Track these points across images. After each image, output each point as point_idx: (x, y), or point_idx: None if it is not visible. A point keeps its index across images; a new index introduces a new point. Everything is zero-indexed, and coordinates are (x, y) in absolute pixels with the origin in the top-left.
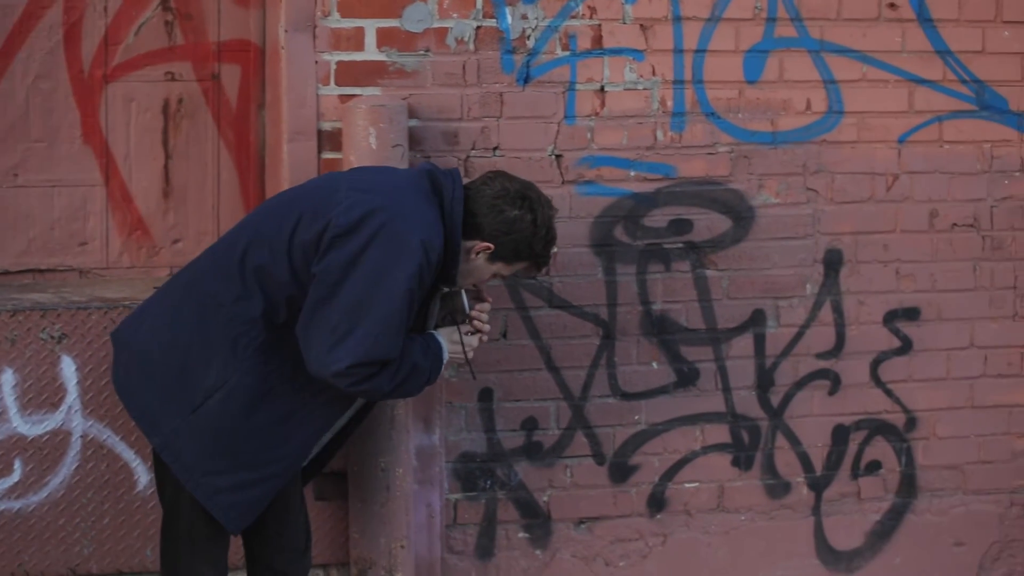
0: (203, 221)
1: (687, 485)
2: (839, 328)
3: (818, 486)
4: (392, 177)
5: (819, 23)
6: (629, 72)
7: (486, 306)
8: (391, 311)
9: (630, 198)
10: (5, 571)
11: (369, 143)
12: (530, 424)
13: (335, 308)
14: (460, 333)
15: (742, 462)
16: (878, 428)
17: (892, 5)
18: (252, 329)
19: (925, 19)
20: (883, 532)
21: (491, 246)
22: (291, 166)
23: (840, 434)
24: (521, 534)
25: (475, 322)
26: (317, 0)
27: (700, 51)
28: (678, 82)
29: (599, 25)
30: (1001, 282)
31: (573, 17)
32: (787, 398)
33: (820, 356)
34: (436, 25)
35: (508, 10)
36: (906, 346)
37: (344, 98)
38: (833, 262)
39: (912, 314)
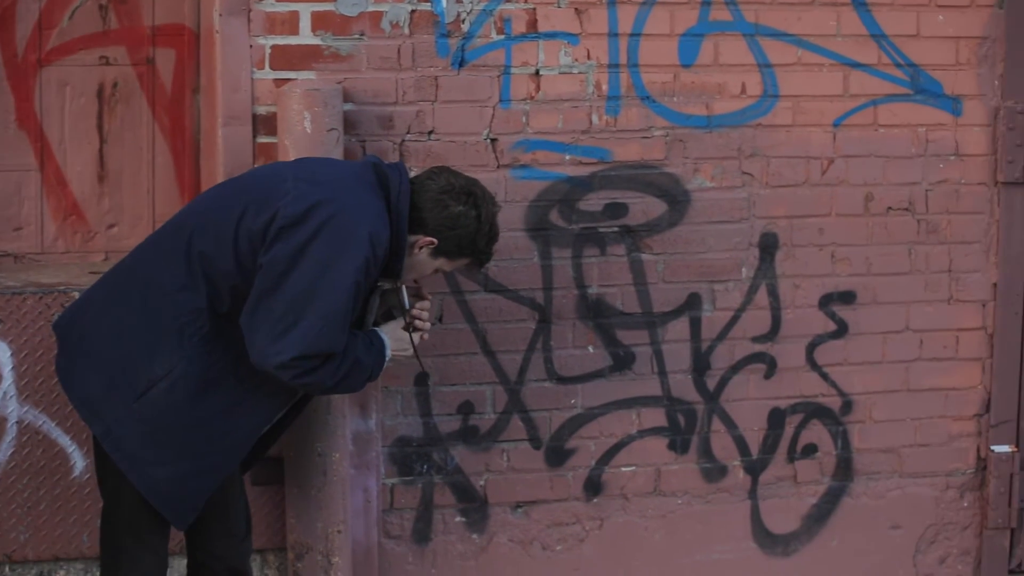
0: (138, 206)
1: (624, 469)
2: (775, 312)
3: (754, 470)
4: (339, 169)
5: (754, 7)
6: (564, 56)
7: (426, 303)
8: (336, 304)
9: (565, 182)
10: None
11: (304, 127)
12: (466, 408)
13: (280, 300)
14: (408, 330)
15: (678, 446)
16: (814, 411)
17: None
18: (198, 319)
19: (860, 3)
20: (819, 515)
21: (435, 241)
22: (226, 150)
23: (776, 417)
24: (458, 518)
25: (416, 320)
26: None
27: (635, 35)
28: (613, 66)
29: (534, 9)
30: (936, 266)
31: (508, 1)
32: (723, 382)
33: (756, 340)
34: (371, 9)
35: None
36: (842, 330)
37: (279, 82)
38: (768, 246)
39: (847, 298)
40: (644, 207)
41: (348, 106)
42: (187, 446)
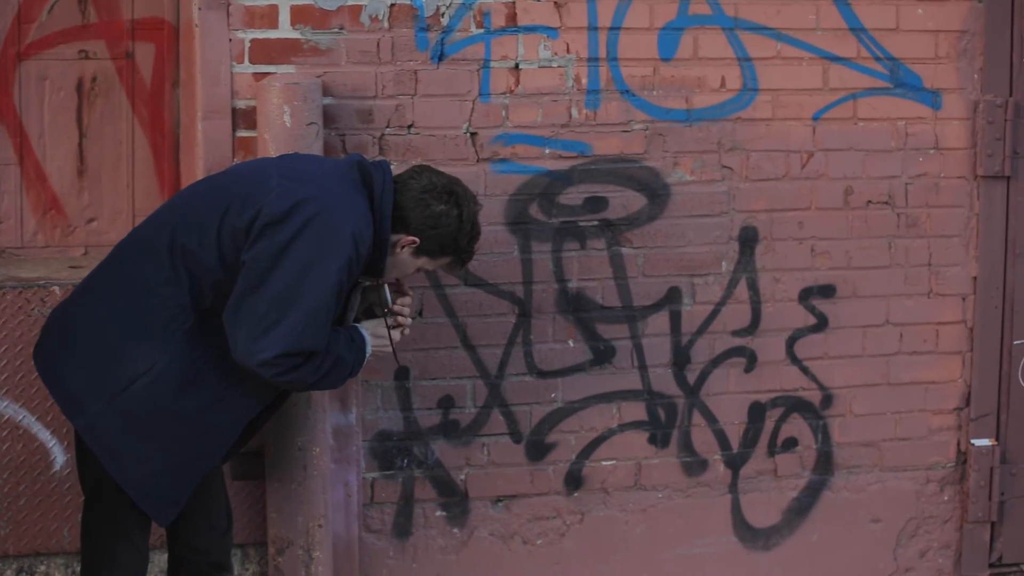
0: (118, 200)
1: (604, 463)
2: (755, 305)
3: (735, 463)
4: (323, 167)
5: (733, 1)
6: (543, 50)
7: (407, 300)
8: (319, 302)
9: (545, 176)
10: None
11: (283, 121)
12: (447, 403)
13: (263, 297)
14: (387, 327)
15: (659, 440)
16: (794, 405)
17: None
18: (181, 314)
19: None
20: (800, 509)
21: (417, 240)
22: (205, 144)
23: (756, 411)
24: (438, 512)
25: (398, 317)
26: None
27: (614, 28)
28: (593, 60)
29: (513, 3)
30: (916, 259)
31: None
32: (703, 375)
33: (736, 333)
34: (350, 3)
35: None
36: (822, 323)
37: (258, 76)
38: (748, 239)
39: (827, 291)
40: (624, 201)
41: (328, 100)
42: (169, 441)
